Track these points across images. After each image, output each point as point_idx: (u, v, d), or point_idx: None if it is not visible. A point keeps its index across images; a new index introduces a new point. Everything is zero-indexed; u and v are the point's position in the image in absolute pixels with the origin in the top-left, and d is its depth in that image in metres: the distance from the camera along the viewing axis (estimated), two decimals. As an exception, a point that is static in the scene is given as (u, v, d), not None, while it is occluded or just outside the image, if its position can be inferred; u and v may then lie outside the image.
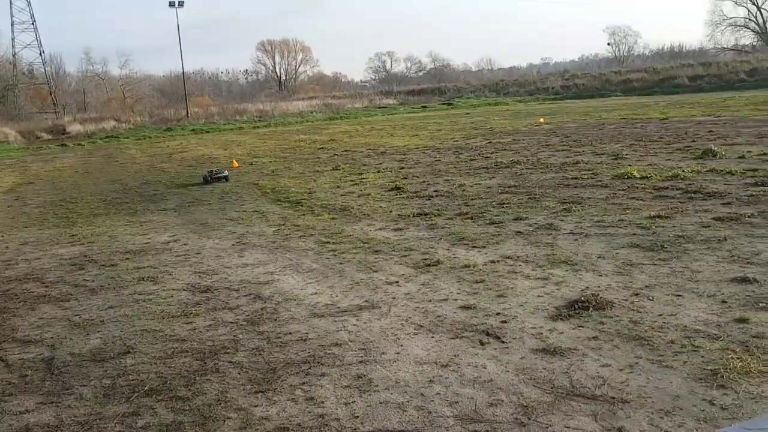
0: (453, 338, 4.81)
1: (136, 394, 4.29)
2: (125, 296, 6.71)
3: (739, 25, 67.83)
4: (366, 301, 5.87)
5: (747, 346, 4.20)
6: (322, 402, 3.96)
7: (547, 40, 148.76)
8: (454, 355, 4.49)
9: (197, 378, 4.47)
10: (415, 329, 5.06)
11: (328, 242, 8.38)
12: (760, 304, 4.93)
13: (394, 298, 5.88)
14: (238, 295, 6.41)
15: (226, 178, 15.65)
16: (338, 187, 13.27)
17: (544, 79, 60.89)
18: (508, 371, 4.18)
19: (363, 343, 4.84)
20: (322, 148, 22.81)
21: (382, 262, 7.20)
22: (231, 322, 5.58)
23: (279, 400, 4.04)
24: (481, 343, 4.67)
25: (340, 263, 7.29)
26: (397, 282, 6.37)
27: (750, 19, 66.92)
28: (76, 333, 5.67)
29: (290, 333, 5.19)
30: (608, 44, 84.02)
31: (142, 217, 11.69)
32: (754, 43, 67.63)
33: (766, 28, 66.33)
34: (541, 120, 27.13)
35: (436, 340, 4.79)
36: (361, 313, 5.53)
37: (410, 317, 5.33)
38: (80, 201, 14.51)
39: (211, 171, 16.24)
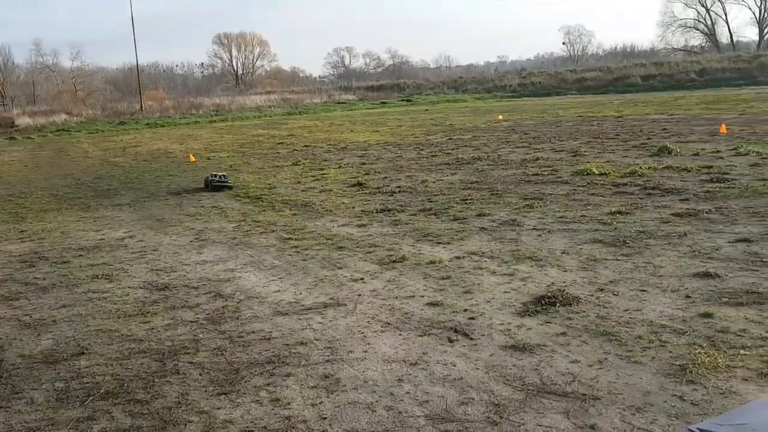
0: (421, 336, 4.73)
1: (91, 398, 4.08)
2: (78, 295, 6.44)
3: (689, 27, 69.72)
4: (331, 298, 5.75)
5: (713, 341, 4.23)
6: (289, 403, 3.83)
7: (503, 38, 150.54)
8: (423, 353, 4.41)
9: (156, 380, 4.29)
10: (382, 327, 4.96)
11: (290, 238, 8.22)
12: (723, 299, 4.99)
13: (359, 295, 5.78)
14: (197, 293, 6.21)
15: (229, 187, 12.79)
16: (299, 182, 13.09)
17: (501, 77, 61.42)
18: (478, 369, 4.12)
19: (329, 342, 4.72)
20: (281, 143, 22.52)
21: (346, 258, 7.09)
22: (191, 321, 5.39)
23: (243, 402, 3.89)
24: (450, 341, 4.60)
25: (304, 260, 7.14)
26: (363, 279, 6.26)
27: (699, 21, 68.86)
28: (27, 333, 5.39)
29: (253, 332, 5.03)
30: (563, 43, 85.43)
31: (96, 213, 11.30)
32: (703, 45, 69.62)
33: (714, 29, 68.36)
34: (500, 117, 27.35)
35: (404, 338, 4.71)
36: (326, 311, 5.41)
37: (377, 315, 5.23)
38: (30, 196, 13.96)
39: (215, 176, 13.21)
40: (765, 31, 65.43)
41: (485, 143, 17.83)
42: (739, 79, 43.07)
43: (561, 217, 8.26)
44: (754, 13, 66.01)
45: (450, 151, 16.43)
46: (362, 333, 4.85)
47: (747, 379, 3.69)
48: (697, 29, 69.71)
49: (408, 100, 51.38)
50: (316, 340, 4.78)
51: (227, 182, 12.90)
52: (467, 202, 9.77)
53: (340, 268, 6.71)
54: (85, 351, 4.89)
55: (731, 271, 5.67)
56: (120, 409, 3.92)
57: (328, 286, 6.10)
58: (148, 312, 5.71)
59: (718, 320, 4.60)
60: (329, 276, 6.44)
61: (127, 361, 4.63)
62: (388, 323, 5.02)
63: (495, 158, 14.50)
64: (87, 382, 4.32)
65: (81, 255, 8.16)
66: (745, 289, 5.16)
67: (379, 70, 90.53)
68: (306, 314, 5.36)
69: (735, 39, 67.89)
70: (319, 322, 5.14)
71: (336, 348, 4.60)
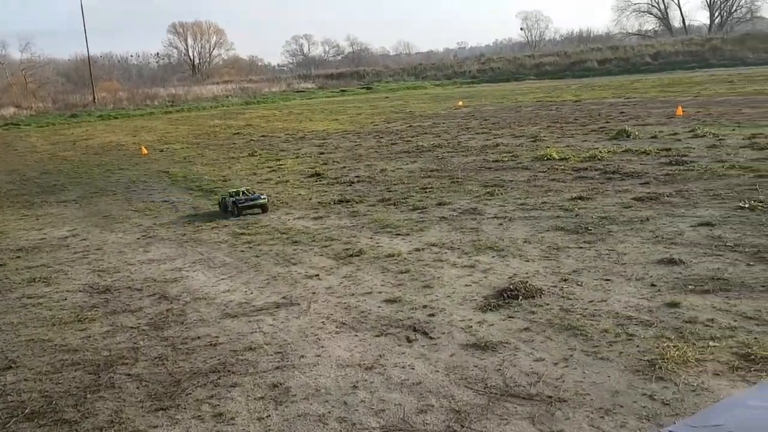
0: (378, 336, 4.46)
1: (14, 419, 3.71)
2: (12, 301, 5.99)
3: (643, 11, 70.70)
4: (284, 297, 5.43)
5: (681, 333, 4.05)
6: (233, 418, 3.52)
7: (462, 24, 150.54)
8: (380, 355, 4.14)
9: (88, 396, 3.92)
10: (337, 327, 4.67)
11: (243, 233, 7.85)
12: (689, 287, 4.84)
13: (314, 293, 5.47)
14: (141, 295, 5.82)
15: (263, 207, 8.91)
16: (255, 173, 12.67)
17: (461, 63, 61.33)
18: (437, 371, 3.87)
19: (280, 346, 4.41)
20: (237, 133, 21.96)
21: (301, 253, 6.77)
22: (131, 327, 5.02)
23: (182, 419, 3.56)
24: (408, 340, 4.34)
25: (256, 256, 6.80)
26: (318, 275, 5.96)
27: (653, 5, 69.87)
28: (-50, 347, 4.95)
29: (198, 337, 4.69)
30: (521, 29, 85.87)
31: (39, 210, 10.73)
32: (657, 29, 70.68)
33: (667, 14, 69.44)
34: (460, 103, 27.19)
35: (360, 339, 4.43)
36: (278, 312, 5.09)
37: (332, 314, 4.94)
38: (-32, 194, 13.23)
39: (235, 193, 9.09)
40: (716, 14, 66.76)
41: (445, 130, 17.62)
42: (692, 62, 43.80)
43: (522, 205, 8.07)
44: (705, -3, 67.22)
45: (410, 139, 16.17)
46: (315, 335, 4.55)
47: (718, 374, 3.51)
48: (651, 13, 70.83)
49: (368, 88, 50.93)
50: (266, 344, 4.46)
51: (261, 199, 8.91)
52: (427, 190, 9.52)
53: (294, 264, 6.39)
54: (12, 365, 4.49)
55: (695, 256, 5.53)
56: (45, 431, 3.55)
57: (281, 284, 5.78)
58: (86, 318, 5.31)
59: (685, 309, 4.43)
60: (283, 273, 6.11)
61: (58, 375, 4.25)
62: (344, 323, 4.73)
63: (455, 145, 14.29)
64: (11, 401, 3.94)
65: (19, 257, 7.66)
66: (710, 276, 5.02)
67: (339, 57, 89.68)
68: (256, 316, 5.04)
69: (687, 23, 69.18)
70: (270, 325, 4.83)
71: (287, 353, 4.29)
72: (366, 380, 3.82)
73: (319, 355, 4.21)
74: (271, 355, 4.28)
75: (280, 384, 3.86)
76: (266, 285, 5.80)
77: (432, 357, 4.06)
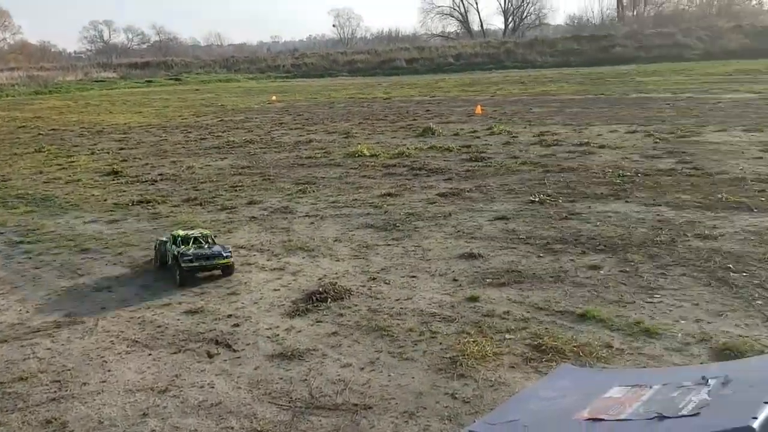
0: (175, 353, 4.08)
1: None
2: None
3: (446, 14, 75.03)
4: (67, 315, 4.81)
5: (480, 327, 4.19)
6: (-8, 468, 2.99)
7: (276, 18, 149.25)
8: (176, 375, 3.78)
9: None
10: (128, 346, 4.21)
11: (21, 242, 6.93)
12: (487, 280, 5.05)
13: (103, 308, 4.92)
14: None
15: (225, 269, 5.49)
16: (41, 172, 11.35)
17: (275, 57, 60.70)
18: (239, 387, 3.61)
19: (58, 373, 3.87)
20: (23, 126, 19.67)
21: (91, 262, 6.10)
22: None
23: (-75, 477, 2.96)
24: (209, 355, 4.02)
25: (36, 267, 6.01)
26: (109, 287, 5.39)
27: (454, 9, 74.40)
28: None
29: (-45, 371, 3.98)
30: (333, 26, 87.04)
31: None
32: (458, 31, 75.43)
33: (467, 17, 74.35)
34: (274, 98, 26.80)
35: (154, 358, 4.02)
36: (59, 332, 4.49)
37: (123, 331, 4.46)
38: None
39: (187, 240, 5.60)
40: (509, 20, 72.76)
41: (258, 125, 17.20)
42: (489, 64, 47.34)
43: (334, 202, 8.02)
44: (500, 3, 73.03)
45: (220, 134, 15.55)
46: (102, 357, 4.06)
47: (514, 366, 3.65)
48: (453, 16, 75.34)
49: (177, 79, 48.52)
50: (41, 372, 3.89)
51: (223, 257, 5.46)
52: (237, 189, 9.14)
53: (82, 275, 5.73)
54: None
55: (492, 250, 5.81)
56: None
57: (65, 300, 5.13)
58: None
59: (483, 303, 4.60)
60: (67, 287, 5.44)
61: None
62: (136, 341, 4.29)
63: (268, 141, 13.97)
64: None
65: None
66: (506, 269, 5.29)
67: (144, 46, 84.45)
68: (31, 339, 4.40)
69: (485, 27, 74.57)
70: (48, 348, 4.23)
71: (66, 380, 3.77)
72: (158, 405, 3.45)
73: (104, 381, 3.75)
74: (47, 384, 3.74)
75: (56, 419, 3.36)
76: (46, 301, 5.12)
77: (234, 372, 3.79)
